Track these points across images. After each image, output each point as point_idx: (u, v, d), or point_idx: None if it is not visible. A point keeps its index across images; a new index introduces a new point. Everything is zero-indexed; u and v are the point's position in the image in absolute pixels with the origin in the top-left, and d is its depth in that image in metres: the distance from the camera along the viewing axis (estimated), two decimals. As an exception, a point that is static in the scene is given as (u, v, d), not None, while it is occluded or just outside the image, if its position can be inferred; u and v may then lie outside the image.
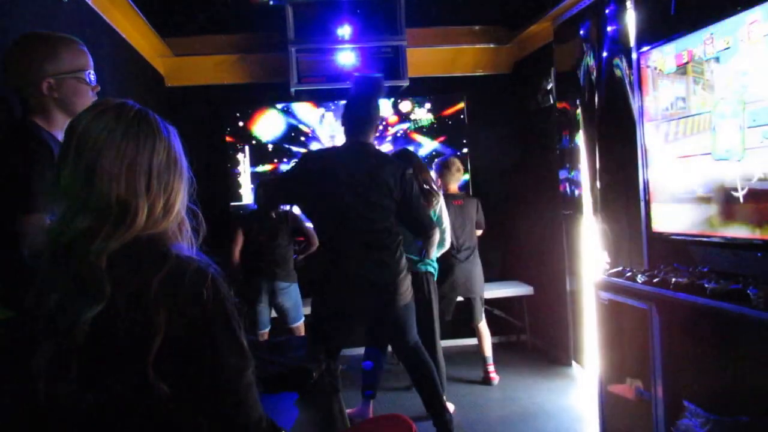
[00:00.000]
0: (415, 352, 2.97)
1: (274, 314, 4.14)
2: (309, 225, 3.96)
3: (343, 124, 2.98)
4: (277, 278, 3.95)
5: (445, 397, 3.16)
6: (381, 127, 3.06)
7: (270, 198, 3.30)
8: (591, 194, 3.98)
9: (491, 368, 4.22)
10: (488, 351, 4.22)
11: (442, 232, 3.44)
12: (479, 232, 4.23)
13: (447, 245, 3.61)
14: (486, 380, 4.20)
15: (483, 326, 4.19)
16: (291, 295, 4.00)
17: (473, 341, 4.46)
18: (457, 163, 4.16)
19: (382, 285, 2.81)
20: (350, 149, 2.92)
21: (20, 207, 1.45)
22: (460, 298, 4.15)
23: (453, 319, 4.16)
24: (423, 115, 5.02)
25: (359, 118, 2.91)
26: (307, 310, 3.74)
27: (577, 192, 4.15)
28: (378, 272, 2.80)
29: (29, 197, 1.46)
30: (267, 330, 4.08)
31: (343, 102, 4.82)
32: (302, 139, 4.93)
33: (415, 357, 2.97)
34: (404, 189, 2.84)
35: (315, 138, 4.93)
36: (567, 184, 4.29)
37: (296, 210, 4.04)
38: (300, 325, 4.08)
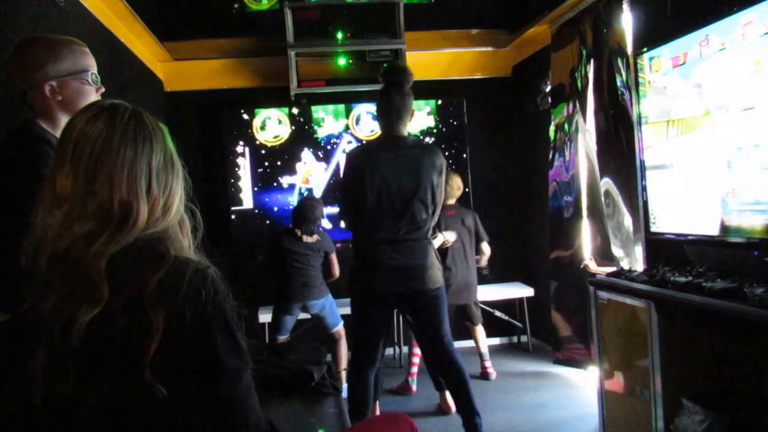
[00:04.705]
0: (447, 351, 2.96)
1: (305, 315, 4.13)
2: (333, 256, 4.04)
3: (377, 119, 2.99)
4: (307, 298, 3.96)
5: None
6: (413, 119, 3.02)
7: (350, 212, 3.24)
8: (590, 196, 4.00)
9: (488, 363, 4.32)
10: (483, 347, 4.32)
11: None
12: (484, 247, 4.23)
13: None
14: (484, 375, 4.31)
15: (479, 329, 4.29)
16: (324, 306, 4.01)
17: (470, 343, 4.48)
18: (458, 181, 4.18)
19: (410, 268, 2.84)
20: (385, 144, 2.92)
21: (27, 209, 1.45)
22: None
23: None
24: (423, 117, 5.05)
25: (389, 110, 2.89)
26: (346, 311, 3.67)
27: (576, 194, 4.15)
28: (407, 258, 2.84)
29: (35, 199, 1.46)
30: (285, 337, 4.07)
31: (342, 105, 4.93)
32: (303, 142, 4.94)
33: (447, 357, 2.96)
34: (436, 177, 2.88)
35: (317, 141, 4.95)
36: (567, 186, 4.30)
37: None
38: (339, 329, 4.07)
